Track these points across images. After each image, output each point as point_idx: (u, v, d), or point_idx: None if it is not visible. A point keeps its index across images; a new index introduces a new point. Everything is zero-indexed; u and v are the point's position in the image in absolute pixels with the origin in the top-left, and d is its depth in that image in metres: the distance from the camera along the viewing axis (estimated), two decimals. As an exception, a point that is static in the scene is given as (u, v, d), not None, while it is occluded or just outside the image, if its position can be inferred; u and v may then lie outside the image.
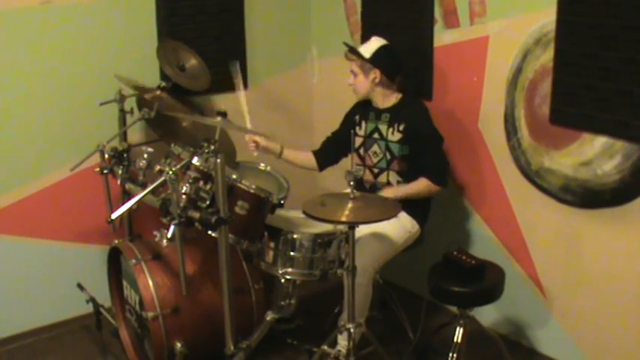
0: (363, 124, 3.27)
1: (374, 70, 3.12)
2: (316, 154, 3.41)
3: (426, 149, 3.14)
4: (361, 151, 3.28)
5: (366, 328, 2.97)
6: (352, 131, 3.23)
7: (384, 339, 3.14)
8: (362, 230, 3.03)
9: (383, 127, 3.20)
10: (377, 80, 3.13)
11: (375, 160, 3.24)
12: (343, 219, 2.57)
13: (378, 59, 3.10)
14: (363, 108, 3.30)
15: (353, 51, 3.15)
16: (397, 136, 3.16)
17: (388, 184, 3.22)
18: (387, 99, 3.20)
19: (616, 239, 2.84)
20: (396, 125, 3.16)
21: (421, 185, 3.13)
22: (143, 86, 3.29)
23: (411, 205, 3.12)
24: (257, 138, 3.22)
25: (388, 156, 3.19)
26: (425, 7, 3.39)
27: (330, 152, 3.40)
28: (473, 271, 2.88)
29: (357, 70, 3.15)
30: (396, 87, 3.21)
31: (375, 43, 3.13)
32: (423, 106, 3.25)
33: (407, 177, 3.19)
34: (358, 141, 3.28)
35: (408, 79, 3.30)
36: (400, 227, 3.12)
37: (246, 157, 3.39)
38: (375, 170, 3.25)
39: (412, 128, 3.13)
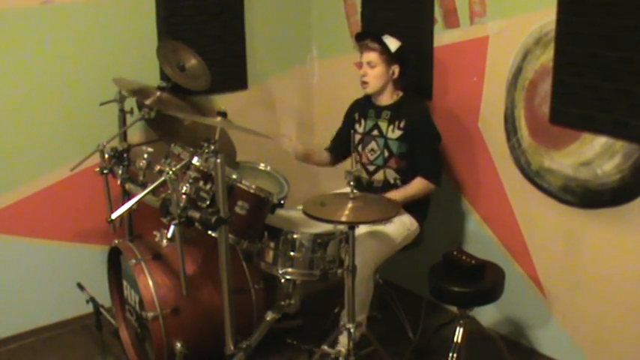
0: (363, 121, 3.27)
1: (395, 65, 3.11)
2: (329, 151, 3.44)
3: (423, 147, 3.14)
4: (359, 148, 3.28)
5: (366, 328, 2.97)
6: (352, 130, 3.24)
7: (384, 339, 3.13)
8: (361, 228, 3.03)
9: (383, 125, 3.20)
10: (395, 76, 3.13)
11: (372, 158, 3.24)
12: (343, 219, 2.57)
13: (401, 55, 3.11)
14: (362, 105, 3.30)
15: (380, 41, 3.09)
16: (397, 134, 3.16)
17: (385, 181, 3.22)
18: (391, 97, 3.20)
19: (616, 239, 2.84)
20: (396, 122, 3.16)
21: (417, 185, 3.13)
22: (142, 88, 3.28)
23: (410, 203, 3.12)
24: (295, 143, 3.24)
25: (386, 153, 3.19)
26: (425, 7, 3.39)
27: (340, 148, 3.42)
28: (473, 271, 2.88)
29: (375, 62, 3.10)
30: (400, 86, 3.21)
31: (394, 40, 3.12)
32: (424, 105, 3.26)
33: (405, 174, 3.19)
34: (357, 138, 3.29)
35: (408, 79, 3.29)
36: (399, 225, 3.12)
37: (246, 157, 3.39)
38: (371, 168, 3.25)
39: (413, 125, 3.13)
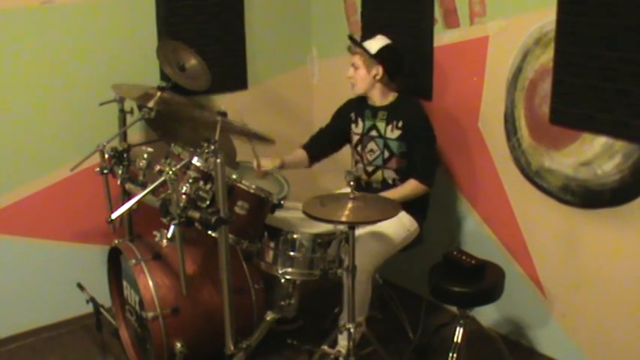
0: (360, 121, 3.28)
1: (377, 67, 3.12)
2: (307, 149, 3.40)
3: (418, 147, 3.14)
4: (358, 148, 3.28)
5: (366, 328, 2.97)
6: (350, 131, 3.25)
7: (384, 339, 3.13)
8: (361, 229, 3.03)
9: (381, 125, 3.20)
10: (378, 77, 3.14)
11: (371, 158, 3.24)
12: (343, 219, 2.57)
13: (382, 56, 3.11)
14: (358, 105, 3.30)
15: (358, 44, 3.14)
16: (396, 134, 3.16)
17: (383, 181, 3.23)
18: (384, 97, 3.21)
19: (616, 239, 2.84)
20: (394, 122, 3.16)
21: (409, 187, 3.13)
22: (143, 94, 3.27)
23: (410, 204, 3.11)
24: (262, 167, 3.19)
25: (386, 154, 3.19)
26: (425, 7, 3.39)
27: (321, 147, 3.41)
28: (473, 271, 2.88)
29: (358, 64, 3.15)
30: (394, 86, 3.21)
31: (381, 40, 3.14)
32: (420, 105, 3.26)
33: (404, 175, 3.19)
34: (355, 139, 3.29)
35: (407, 78, 3.29)
36: (399, 226, 3.12)
37: (246, 157, 3.39)
38: (370, 168, 3.25)
39: (410, 125, 3.13)
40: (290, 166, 3.33)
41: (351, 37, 3.24)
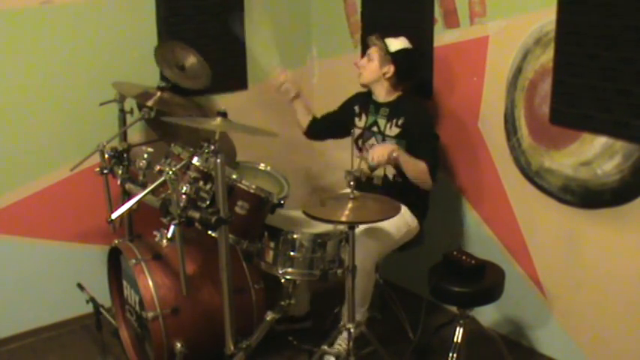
0: (363, 116, 3.29)
1: (389, 65, 3.14)
2: (312, 121, 3.50)
3: (421, 145, 3.13)
4: (359, 142, 3.29)
5: (366, 328, 2.97)
6: (351, 123, 3.25)
7: (384, 339, 3.13)
8: (361, 225, 3.03)
9: (381, 122, 3.21)
10: (387, 75, 3.16)
11: None
12: (343, 219, 2.57)
13: (398, 57, 3.14)
14: (364, 100, 3.31)
15: (380, 39, 3.18)
16: (395, 131, 3.17)
17: (384, 177, 3.23)
18: (388, 94, 3.22)
19: (616, 239, 2.84)
20: (394, 120, 3.17)
21: (421, 165, 3.06)
22: (143, 92, 3.27)
23: (410, 201, 3.12)
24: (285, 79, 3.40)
25: None
26: (425, 7, 3.40)
27: (322, 127, 3.49)
28: (473, 271, 2.88)
29: (374, 56, 3.18)
30: (401, 88, 3.22)
31: (402, 42, 3.17)
32: (423, 104, 3.27)
33: (402, 172, 3.18)
34: (356, 132, 3.29)
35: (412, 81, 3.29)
36: (400, 220, 3.09)
37: (246, 157, 3.39)
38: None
39: (411, 123, 3.14)
40: (299, 107, 3.49)
41: (378, 33, 3.26)
